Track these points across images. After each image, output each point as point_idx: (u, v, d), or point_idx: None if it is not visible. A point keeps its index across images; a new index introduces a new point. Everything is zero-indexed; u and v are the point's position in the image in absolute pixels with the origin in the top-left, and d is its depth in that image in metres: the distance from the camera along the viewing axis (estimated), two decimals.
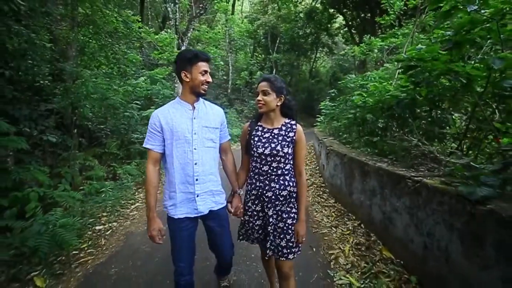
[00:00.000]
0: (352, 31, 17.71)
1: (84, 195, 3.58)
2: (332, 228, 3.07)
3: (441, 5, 2.38)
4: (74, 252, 2.48)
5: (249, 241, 1.63)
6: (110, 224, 3.12)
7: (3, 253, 2.05)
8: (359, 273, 2.19)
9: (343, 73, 17.31)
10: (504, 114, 2.20)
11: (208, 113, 1.54)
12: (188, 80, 1.44)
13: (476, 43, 2.41)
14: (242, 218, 1.64)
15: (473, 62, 2.47)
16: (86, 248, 2.57)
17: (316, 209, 3.68)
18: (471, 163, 1.67)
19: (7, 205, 2.76)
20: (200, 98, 1.54)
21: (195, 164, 1.45)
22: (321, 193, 4.36)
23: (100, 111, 5.92)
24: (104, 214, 3.36)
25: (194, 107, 1.50)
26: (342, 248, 2.60)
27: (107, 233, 2.94)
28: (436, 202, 1.75)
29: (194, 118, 1.47)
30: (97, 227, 3.01)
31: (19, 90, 2.97)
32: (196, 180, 1.45)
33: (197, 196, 1.46)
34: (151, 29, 8.22)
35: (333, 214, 3.44)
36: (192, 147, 1.44)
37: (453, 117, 2.83)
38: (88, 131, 5.88)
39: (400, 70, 3.06)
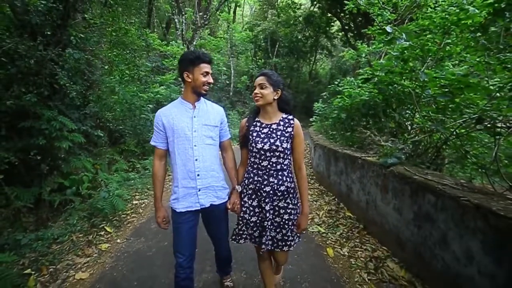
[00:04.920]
0: (349, 34, 18.55)
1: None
2: (313, 202, 3.98)
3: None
4: (123, 215, 3.43)
5: (241, 240, 1.58)
6: (142, 201, 4.06)
7: (82, 212, 3.01)
8: (326, 225, 3.10)
9: (341, 75, 18.10)
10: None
11: (208, 112, 1.58)
12: (190, 80, 1.48)
13: (419, 59, 3.31)
14: (238, 215, 1.63)
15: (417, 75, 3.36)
16: (130, 213, 3.53)
17: None
18: (389, 144, 2.57)
19: (68, 185, 3.73)
20: (202, 97, 1.58)
21: (196, 160, 1.50)
22: (309, 179, 5.27)
23: (121, 114, 6.92)
24: (137, 194, 4.30)
25: (195, 106, 1.54)
26: (318, 213, 3.51)
27: (142, 206, 3.87)
28: (371, 171, 2.66)
29: (194, 117, 1.51)
30: (134, 202, 3.95)
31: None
32: (198, 175, 1.51)
33: (199, 190, 1.52)
34: (163, 42, 9.18)
35: (315, 193, 4.35)
36: (192, 144, 1.49)
37: (409, 115, 3.72)
38: (109, 131, 6.88)
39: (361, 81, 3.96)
